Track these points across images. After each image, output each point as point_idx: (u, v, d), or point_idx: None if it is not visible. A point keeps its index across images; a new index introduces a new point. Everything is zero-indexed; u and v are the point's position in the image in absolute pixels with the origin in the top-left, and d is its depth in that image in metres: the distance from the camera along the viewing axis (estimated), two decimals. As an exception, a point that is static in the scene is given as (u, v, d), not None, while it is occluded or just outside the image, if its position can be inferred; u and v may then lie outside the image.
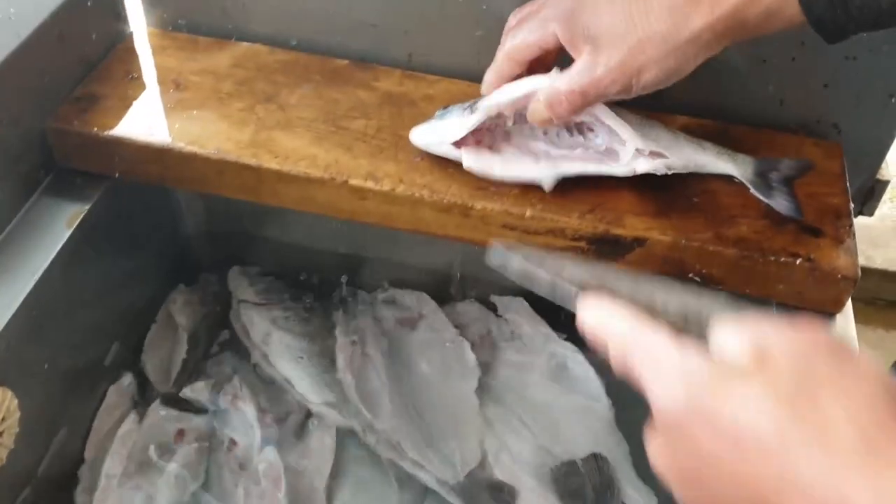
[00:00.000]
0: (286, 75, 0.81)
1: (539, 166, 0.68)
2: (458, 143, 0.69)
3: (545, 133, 0.70)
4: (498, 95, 0.67)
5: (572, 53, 0.63)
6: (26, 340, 0.69)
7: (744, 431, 0.37)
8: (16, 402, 0.68)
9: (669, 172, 0.67)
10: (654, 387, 0.42)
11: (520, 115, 0.69)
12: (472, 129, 0.68)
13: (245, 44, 0.85)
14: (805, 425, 0.36)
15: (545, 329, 0.93)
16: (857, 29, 0.57)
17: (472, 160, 0.68)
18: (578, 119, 0.68)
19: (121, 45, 0.84)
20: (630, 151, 0.66)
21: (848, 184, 0.73)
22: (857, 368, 0.38)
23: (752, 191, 0.68)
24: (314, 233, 0.99)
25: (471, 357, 0.90)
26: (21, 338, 0.68)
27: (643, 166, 0.67)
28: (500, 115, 0.68)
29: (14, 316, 0.66)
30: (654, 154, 0.67)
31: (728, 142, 0.72)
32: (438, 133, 0.70)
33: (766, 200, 0.67)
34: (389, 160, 0.72)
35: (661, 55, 0.58)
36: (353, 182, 0.71)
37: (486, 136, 0.70)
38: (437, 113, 0.72)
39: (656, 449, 0.43)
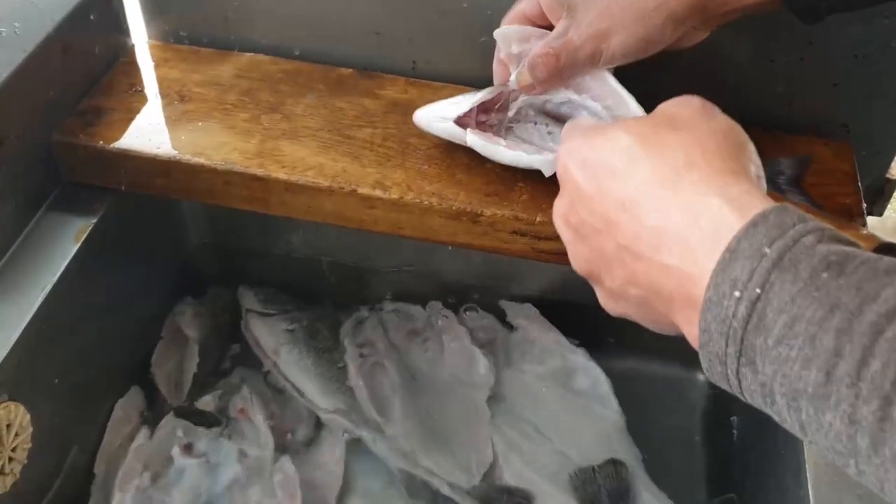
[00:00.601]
0: (290, 85, 0.81)
1: (543, 153, 0.67)
2: (461, 123, 0.68)
3: (547, 127, 0.70)
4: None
5: (552, 21, 0.64)
6: (37, 355, 0.69)
7: (602, 161, 0.48)
8: (28, 417, 0.68)
9: None
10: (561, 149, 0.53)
11: (522, 112, 0.69)
12: (477, 103, 0.67)
13: (248, 54, 0.84)
14: (647, 151, 0.46)
15: (555, 335, 0.93)
16: (830, 10, 0.59)
17: (477, 137, 0.67)
18: (578, 95, 0.67)
19: (123, 58, 0.84)
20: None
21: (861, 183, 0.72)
22: (711, 122, 0.48)
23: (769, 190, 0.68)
24: (320, 243, 0.98)
25: (482, 364, 0.90)
26: (32, 353, 0.68)
27: None
28: (507, 104, 0.68)
29: (25, 331, 0.66)
30: None
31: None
32: (443, 110, 0.69)
33: (783, 199, 0.67)
34: (397, 168, 0.72)
35: (629, 20, 0.59)
36: (362, 191, 0.70)
37: (489, 130, 0.69)
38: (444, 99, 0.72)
39: (556, 205, 0.53)
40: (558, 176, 0.53)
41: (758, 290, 0.38)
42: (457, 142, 0.69)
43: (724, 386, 0.42)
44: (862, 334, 0.35)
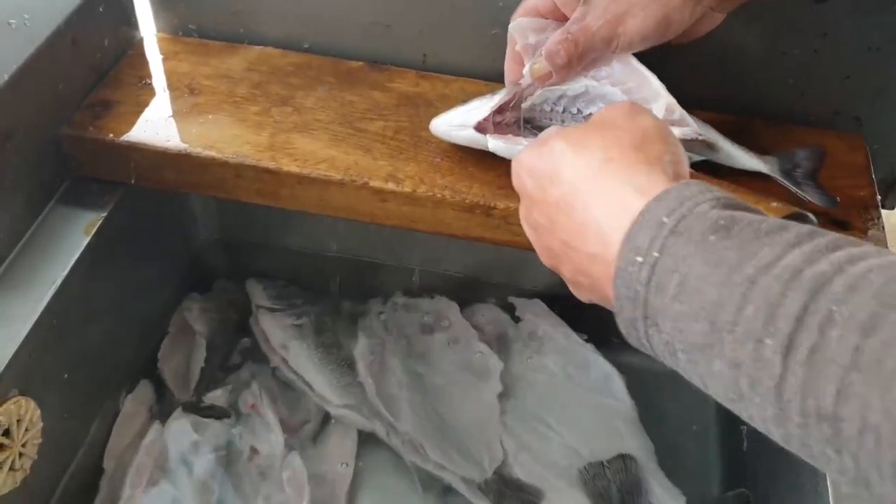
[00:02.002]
0: (300, 78, 0.80)
1: None
2: (480, 129, 0.68)
3: (563, 123, 0.69)
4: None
5: (566, 13, 0.64)
6: (47, 349, 0.68)
7: (543, 168, 0.52)
8: (38, 412, 0.67)
9: (699, 138, 0.67)
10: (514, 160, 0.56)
11: (539, 110, 0.69)
12: (495, 107, 0.67)
13: (257, 47, 0.84)
14: (575, 153, 0.50)
15: (564, 329, 0.92)
16: None
17: (499, 142, 0.67)
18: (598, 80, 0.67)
19: (132, 50, 0.84)
20: (662, 107, 0.65)
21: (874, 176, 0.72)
22: (632, 121, 0.51)
23: (786, 184, 0.67)
24: (329, 238, 0.98)
25: (492, 359, 0.89)
26: (42, 347, 0.67)
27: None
28: (521, 100, 0.67)
29: (35, 325, 0.66)
30: (682, 123, 0.66)
31: (750, 136, 0.72)
32: (460, 117, 0.69)
33: (799, 192, 0.67)
34: (409, 161, 0.72)
35: (647, 0, 0.60)
36: (374, 184, 0.70)
37: (507, 130, 0.69)
38: (457, 104, 0.71)
39: (520, 209, 0.57)
40: (514, 184, 0.57)
41: (656, 254, 0.42)
42: (478, 148, 0.69)
43: (644, 350, 0.46)
44: (739, 285, 0.39)
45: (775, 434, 0.39)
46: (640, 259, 0.43)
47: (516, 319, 0.95)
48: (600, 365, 0.90)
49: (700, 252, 0.41)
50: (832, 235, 0.39)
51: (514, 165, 0.56)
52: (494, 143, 0.67)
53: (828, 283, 0.37)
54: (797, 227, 0.40)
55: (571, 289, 0.54)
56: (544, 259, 0.56)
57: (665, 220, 0.43)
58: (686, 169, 0.51)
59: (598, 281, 0.48)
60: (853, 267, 0.37)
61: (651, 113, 0.53)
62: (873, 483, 0.36)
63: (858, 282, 0.36)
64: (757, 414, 0.39)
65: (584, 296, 0.53)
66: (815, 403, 0.36)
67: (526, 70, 0.66)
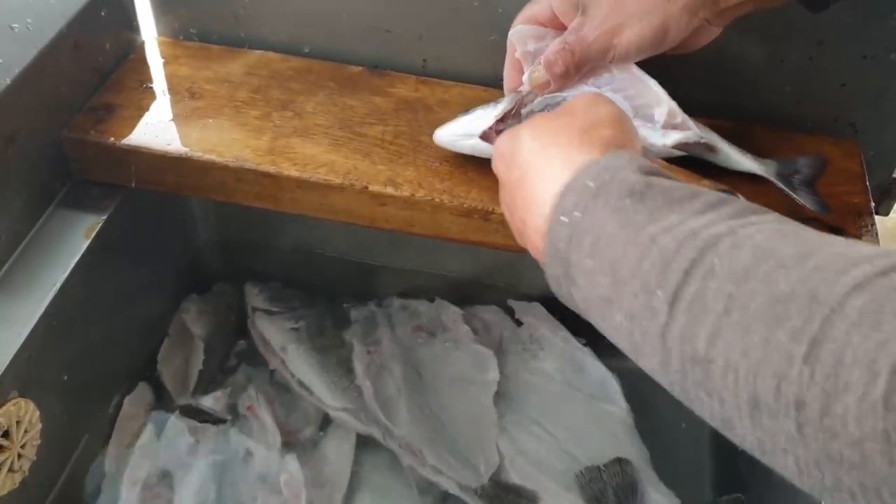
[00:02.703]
0: (300, 83, 0.81)
1: None
2: (485, 138, 0.69)
3: None
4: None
5: (565, 22, 0.65)
6: (47, 351, 0.69)
7: (509, 152, 0.55)
8: (38, 413, 0.67)
9: (701, 141, 0.67)
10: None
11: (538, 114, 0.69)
12: (499, 116, 0.67)
13: (257, 52, 0.85)
14: (532, 137, 0.53)
15: (563, 333, 0.93)
16: None
17: None
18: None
19: (133, 54, 0.84)
20: (664, 112, 0.66)
21: (868, 183, 0.73)
22: (590, 109, 0.54)
23: (782, 187, 0.68)
24: (327, 242, 0.98)
25: (490, 362, 0.89)
26: (42, 349, 0.67)
27: (675, 137, 0.66)
28: (521, 108, 0.68)
29: (35, 327, 0.66)
30: (684, 127, 0.67)
31: (747, 142, 0.72)
32: (464, 127, 0.70)
33: (794, 196, 0.67)
34: (408, 165, 0.72)
35: (644, 10, 0.61)
36: (373, 188, 0.70)
37: None
38: (460, 114, 0.71)
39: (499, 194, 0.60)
40: (493, 170, 0.60)
41: (577, 214, 0.46)
42: (483, 157, 0.69)
43: (573, 308, 0.49)
44: (640, 243, 0.42)
45: (663, 382, 0.42)
46: (564, 219, 0.46)
47: (515, 322, 0.96)
48: (598, 369, 0.91)
49: (614, 213, 0.44)
50: (739, 205, 0.42)
51: (493, 150, 0.60)
52: None
53: (718, 242, 0.39)
54: (706, 196, 0.43)
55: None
56: (516, 237, 0.58)
57: (590, 184, 0.46)
58: (639, 151, 0.53)
59: (539, 252, 0.51)
60: (744, 229, 0.40)
61: (614, 104, 0.55)
62: (734, 422, 0.38)
63: (743, 240, 0.39)
64: (648, 364, 0.42)
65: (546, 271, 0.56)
66: (691, 348, 0.39)
67: (525, 78, 0.66)
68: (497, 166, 0.58)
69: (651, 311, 0.40)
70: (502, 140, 0.58)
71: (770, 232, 0.39)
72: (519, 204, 0.53)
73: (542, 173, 0.51)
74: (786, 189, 0.68)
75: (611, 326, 0.44)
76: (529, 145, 0.53)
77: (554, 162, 0.50)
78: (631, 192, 0.44)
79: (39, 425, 0.68)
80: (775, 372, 0.35)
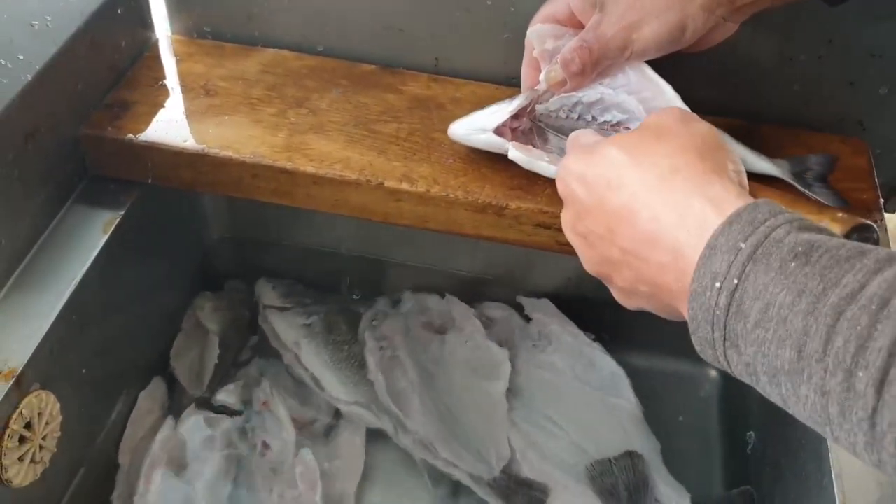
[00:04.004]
0: (315, 80, 0.82)
1: None
2: (498, 133, 0.69)
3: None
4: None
5: (583, 21, 0.65)
6: (67, 345, 0.69)
7: (598, 176, 0.53)
8: (58, 406, 0.68)
9: None
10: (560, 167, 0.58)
11: (555, 116, 0.70)
12: (514, 112, 0.68)
13: (271, 50, 0.85)
14: (636, 162, 0.51)
15: (572, 328, 0.94)
16: None
17: (520, 153, 0.68)
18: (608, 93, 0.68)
19: (148, 52, 0.85)
20: None
21: (877, 180, 0.74)
22: (690, 128, 0.52)
23: (797, 186, 0.69)
24: (339, 238, 0.99)
25: (501, 357, 0.90)
26: (62, 342, 0.68)
27: None
28: (534, 103, 0.69)
29: (56, 320, 0.67)
30: None
31: (755, 140, 0.73)
32: (479, 122, 0.70)
33: (809, 194, 0.68)
34: (423, 162, 0.73)
35: (662, 8, 0.61)
36: (389, 184, 0.71)
37: (523, 137, 0.70)
38: (474, 110, 0.72)
39: (563, 217, 0.58)
40: (559, 191, 0.58)
41: (735, 281, 0.43)
42: (496, 151, 0.70)
43: (717, 366, 0.47)
44: (826, 315, 0.39)
45: (866, 459, 0.40)
46: (717, 285, 0.44)
47: (525, 318, 0.97)
48: (607, 364, 0.92)
49: (781, 280, 0.41)
50: None
51: (560, 172, 0.57)
52: (515, 154, 0.68)
53: None
54: (876, 253, 0.41)
55: (620, 296, 0.55)
56: (591, 266, 0.56)
57: (742, 245, 0.43)
58: (745, 176, 0.52)
59: (665, 291, 0.49)
60: None
61: (701, 119, 0.54)
62: None
63: None
64: (846, 438, 0.40)
65: (635, 303, 0.54)
66: None
67: (542, 77, 0.67)
68: (573, 189, 0.55)
69: (853, 391, 0.38)
70: (581, 161, 0.54)
71: None
72: (624, 235, 0.50)
73: (670, 206, 0.48)
74: (801, 188, 0.68)
75: (790, 396, 0.42)
76: (636, 169, 0.50)
77: (682, 192, 0.48)
78: (794, 255, 0.42)
79: (59, 418, 0.69)
80: None
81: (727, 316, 0.43)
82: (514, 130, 0.70)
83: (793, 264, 0.41)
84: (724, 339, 0.44)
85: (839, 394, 0.39)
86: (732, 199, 0.46)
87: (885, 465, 0.39)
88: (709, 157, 0.50)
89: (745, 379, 0.45)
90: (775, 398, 0.44)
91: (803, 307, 0.40)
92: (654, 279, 0.49)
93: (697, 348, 0.47)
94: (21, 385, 0.64)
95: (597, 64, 0.64)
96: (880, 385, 0.37)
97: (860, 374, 0.38)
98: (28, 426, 0.65)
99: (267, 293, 0.97)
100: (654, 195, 0.49)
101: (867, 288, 0.39)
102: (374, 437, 0.89)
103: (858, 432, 0.39)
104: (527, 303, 0.97)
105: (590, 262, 0.56)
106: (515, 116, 0.69)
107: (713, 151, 0.51)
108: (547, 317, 0.95)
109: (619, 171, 0.51)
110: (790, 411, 0.44)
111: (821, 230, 0.44)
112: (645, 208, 0.49)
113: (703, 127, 0.53)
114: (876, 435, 0.38)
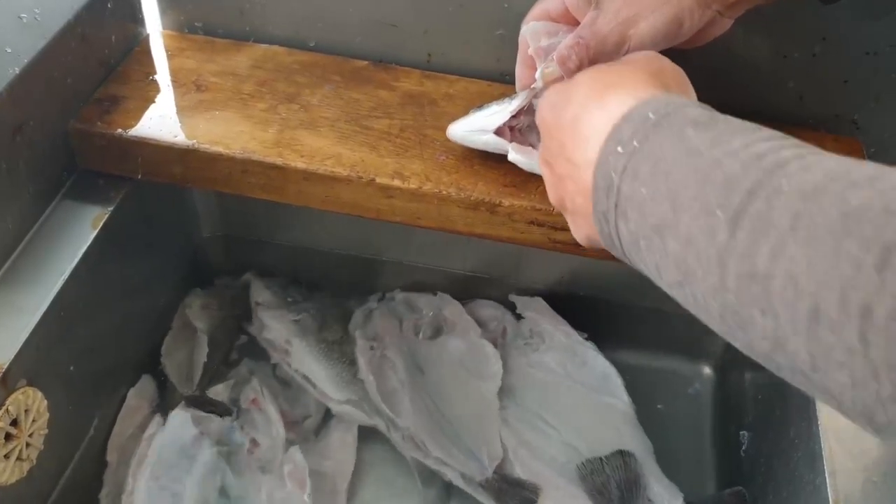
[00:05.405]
0: (306, 76, 0.81)
1: None
2: (499, 134, 0.69)
3: None
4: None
5: (578, 17, 0.64)
6: (54, 341, 0.69)
7: (563, 97, 0.55)
8: (45, 403, 0.68)
9: None
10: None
11: None
12: (514, 112, 0.68)
13: (263, 45, 0.85)
14: (591, 80, 0.54)
15: (565, 327, 0.93)
16: None
17: (520, 156, 0.68)
18: None
19: (138, 47, 0.84)
20: None
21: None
22: (652, 61, 0.55)
23: None
24: (330, 236, 0.98)
25: (493, 356, 0.90)
26: (50, 338, 0.68)
27: None
28: (531, 101, 0.68)
29: (44, 316, 0.66)
30: None
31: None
32: (479, 123, 0.70)
33: None
34: (415, 158, 0.73)
35: (658, 3, 0.61)
36: (380, 180, 0.71)
37: (520, 135, 0.70)
38: (472, 110, 0.72)
39: (540, 154, 0.59)
40: (537, 124, 0.59)
41: (635, 144, 0.45)
42: (498, 152, 0.70)
43: (613, 250, 0.48)
44: (704, 167, 0.41)
45: (711, 310, 0.41)
46: (620, 149, 0.45)
47: (517, 317, 0.96)
48: (599, 363, 0.91)
49: (676, 142, 0.43)
50: (803, 143, 0.41)
51: (539, 104, 0.59)
52: (514, 156, 0.68)
53: (786, 164, 0.39)
54: (771, 129, 0.42)
55: (574, 226, 0.56)
56: (551, 194, 0.57)
57: (650, 115, 0.45)
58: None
59: (587, 190, 0.49)
60: (812, 155, 0.39)
61: (670, 61, 0.55)
62: (787, 340, 0.37)
63: (812, 163, 0.39)
64: (699, 289, 0.41)
65: (579, 228, 0.55)
66: (750, 264, 0.38)
67: (538, 74, 0.66)
68: (544, 115, 0.57)
69: (710, 231, 0.39)
70: (554, 89, 0.57)
71: (839, 159, 0.39)
72: (570, 146, 0.52)
73: (600, 108, 0.49)
74: None
75: (660, 256, 0.43)
76: (588, 84, 0.52)
77: (614, 97, 0.49)
78: (695, 123, 0.43)
79: (47, 415, 0.69)
80: (841, 281, 0.34)
81: (622, 179, 0.45)
82: (511, 129, 0.69)
83: (691, 130, 0.43)
84: (616, 206, 0.45)
85: (698, 238, 0.40)
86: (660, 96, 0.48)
87: (727, 309, 0.40)
88: (660, 81, 0.51)
89: (633, 257, 0.46)
90: (652, 270, 0.45)
91: (686, 162, 0.42)
92: (580, 179, 0.50)
93: (598, 229, 0.48)
94: (7, 381, 0.63)
95: (594, 60, 0.63)
96: (734, 220, 0.38)
97: (719, 213, 0.39)
98: (14, 423, 0.64)
99: (258, 291, 0.97)
100: (595, 102, 0.50)
101: (750, 147, 0.40)
102: (366, 435, 0.88)
103: (708, 275, 0.40)
104: (519, 301, 0.96)
105: (550, 189, 0.57)
106: (514, 115, 0.69)
107: (663, 75, 0.52)
108: (539, 315, 0.94)
109: (576, 90, 0.54)
110: (661, 279, 0.44)
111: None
112: (587, 114, 0.50)
113: (666, 62, 0.55)
114: (722, 272, 0.39)
